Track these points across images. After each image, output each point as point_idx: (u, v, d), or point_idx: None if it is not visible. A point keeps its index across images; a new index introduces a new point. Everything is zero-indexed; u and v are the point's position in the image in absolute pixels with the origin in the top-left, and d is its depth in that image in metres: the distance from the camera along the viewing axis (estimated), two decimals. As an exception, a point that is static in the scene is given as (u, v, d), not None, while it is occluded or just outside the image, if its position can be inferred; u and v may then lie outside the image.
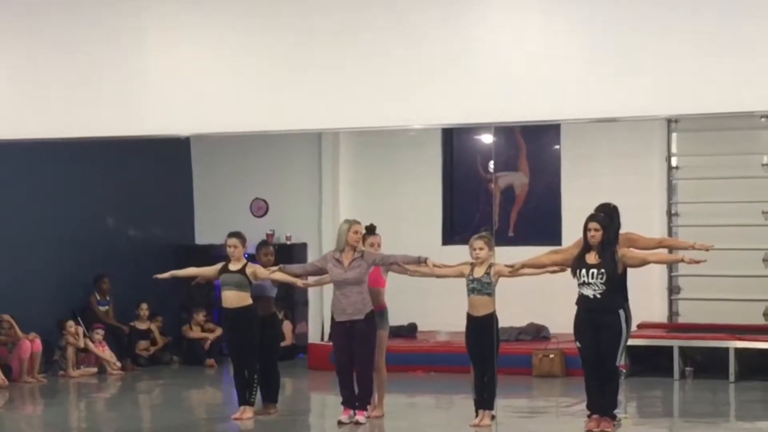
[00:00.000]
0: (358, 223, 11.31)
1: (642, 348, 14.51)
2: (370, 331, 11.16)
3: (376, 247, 11.46)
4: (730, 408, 13.12)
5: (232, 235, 11.75)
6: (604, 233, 10.65)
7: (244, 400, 11.74)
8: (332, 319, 11.37)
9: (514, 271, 10.94)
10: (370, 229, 11.54)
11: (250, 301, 11.60)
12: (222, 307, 12.02)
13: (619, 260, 10.64)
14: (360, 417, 11.22)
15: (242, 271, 11.58)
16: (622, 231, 11.02)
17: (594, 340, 10.66)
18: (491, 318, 10.92)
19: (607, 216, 10.89)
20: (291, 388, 14.16)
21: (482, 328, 10.91)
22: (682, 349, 14.48)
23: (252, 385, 11.72)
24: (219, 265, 11.78)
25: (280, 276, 11.49)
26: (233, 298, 11.61)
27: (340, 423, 11.27)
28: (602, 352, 10.63)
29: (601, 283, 10.57)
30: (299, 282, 11.58)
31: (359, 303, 11.11)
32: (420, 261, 11.11)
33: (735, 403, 13.25)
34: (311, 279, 12.06)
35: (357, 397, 11.25)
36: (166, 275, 11.88)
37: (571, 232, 11.87)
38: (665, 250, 11.93)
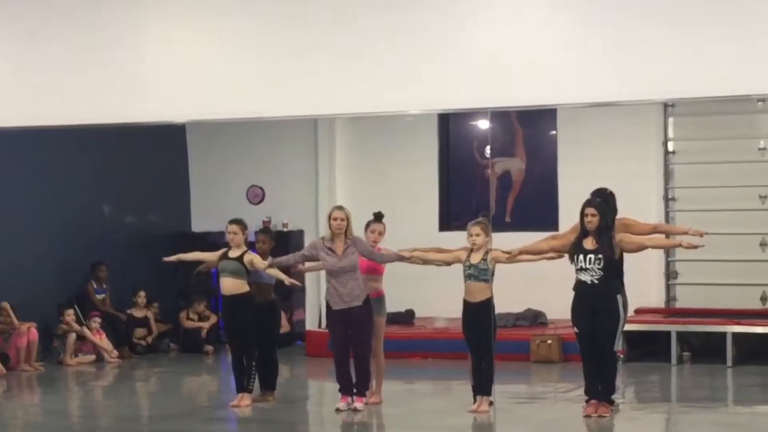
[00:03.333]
0: (340, 208, 11.29)
1: (639, 333, 14.52)
2: (367, 316, 11.16)
3: (376, 235, 11.43)
4: (727, 393, 13.13)
5: (233, 221, 11.75)
6: (601, 218, 10.65)
7: (242, 387, 11.73)
8: (328, 307, 11.35)
9: (512, 257, 10.93)
10: (378, 217, 11.52)
11: (247, 288, 11.60)
12: (220, 295, 12.03)
13: (616, 245, 10.65)
14: (358, 404, 11.22)
15: (240, 258, 11.58)
16: (617, 216, 11.01)
17: (591, 326, 10.67)
18: (488, 304, 10.91)
19: (603, 201, 10.89)
20: (289, 375, 14.15)
21: (478, 314, 10.90)
22: (680, 334, 14.48)
23: (250, 372, 11.71)
24: (220, 252, 11.78)
25: (273, 273, 11.49)
26: (230, 285, 11.61)
27: (338, 410, 11.26)
28: (599, 337, 10.64)
29: (598, 269, 10.57)
30: (287, 281, 11.55)
31: (356, 289, 11.11)
32: (399, 258, 11.17)
33: (732, 388, 13.26)
34: (307, 264, 12.02)
35: (355, 384, 11.24)
36: (173, 258, 11.95)
37: (568, 217, 11.83)
38: (662, 236, 11.91)
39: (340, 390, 11.33)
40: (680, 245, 10.92)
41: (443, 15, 9.40)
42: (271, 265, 11.48)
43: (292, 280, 11.66)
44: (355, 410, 11.20)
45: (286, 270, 11.69)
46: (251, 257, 11.60)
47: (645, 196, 15.39)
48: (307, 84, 9.74)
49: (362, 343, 11.16)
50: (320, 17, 9.72)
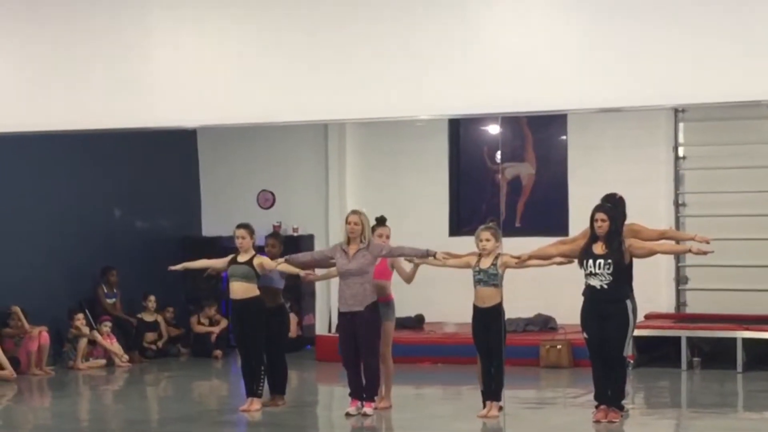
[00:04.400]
0: (355, 213, 11.27)
1: (649, 338, 14.50)
2: (372, 322, 11.13)
3: (384, 238, 11.44)
4: (737, 398, 13.11)
5: (240, 226, 11.78)
6: (611, 223, 10.64)
7: (252, 391, 11.74)
8: (339, 310, 11.39)
9: (521, 262, 10.93)
10: (380, 221, 11.53)
11: (257, 293, 11.61)
12: (229, 299, 12.04)
13: (625, 250, 10.64)
14: (367, 409, 11.22)
15: (249, 262, 11.60)
16: (626, 222, 11.01)
17: (601, 331, 10.65)
18: (498, 309, 10.91)
19: (613, 206, 10.88)
20: (298, 379, 14.16)
21: (489, 319, 10.91)
22: (690, 340, 14.47)
23: (259, 376, 11.72)
24: (229, 257, 11.80)
25: (285, 267, 11.51)
26: (240, 290, 11.62)
27: (347, 415, 11.26)
28: (609, 342, 10.62)
29: (608, 274, 10.56)
30: (303, 273, 11.60)
31: (360, 294, 11.07)
32: (429, 254, 11.07)
33: (743, 394, 13.24)
34: (319, 272, 12.06)
35: (364, 389, 11.24)
36: (179, 267, 11.98)
37: (578, 222, 11.83)
38: (671, 242, 11.91)
39: (349, 394, 11.34)
40: (690, 251, 10.91)
41: (454, 20, 9.40)
42: (287, 261, 11.49)
43: (308, 271, 11.68)
44: (365, 415, 11.21)
45: (296, 276, 11.75)
46: (261, 260, 11.63)
47: (655, 201, 15.37)
48: (318, 89, 9.75)
49: (368, 348, 11.14)
50: (330, 22, 9.73)
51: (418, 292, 15.14)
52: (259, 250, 11.97)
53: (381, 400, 11.53)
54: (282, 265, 11.50)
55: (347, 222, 11.20)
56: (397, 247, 11.28)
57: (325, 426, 12.13)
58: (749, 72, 8.74)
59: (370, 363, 11.19)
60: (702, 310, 15.39)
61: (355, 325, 11.12)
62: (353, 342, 11.16)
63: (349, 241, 11.19)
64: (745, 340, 14.15)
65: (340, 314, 11.29)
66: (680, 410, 12.53)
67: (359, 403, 11.26)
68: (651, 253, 10.84)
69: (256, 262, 11.59)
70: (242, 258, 11.66)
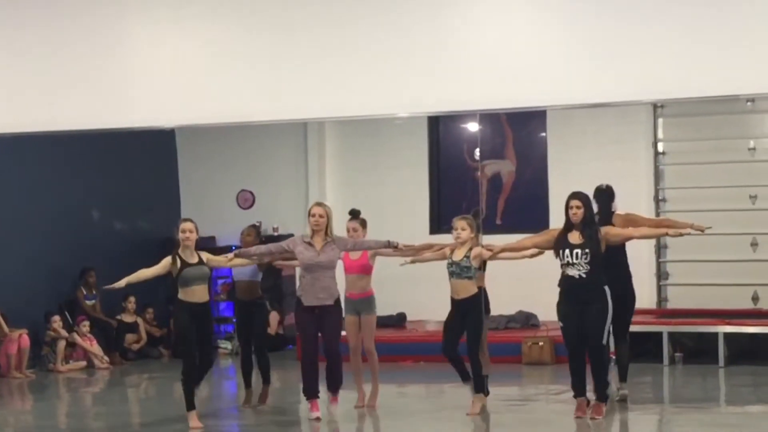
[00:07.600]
0: (319, 205, 11.01)
1: (631, 334, 14.46)
2: (337, 317, 11.00)
3: (350, 232, 11.31)
4: (719, 393, 13.11)
5: (187, 220, 11.00)
6: (585, 211, 10.51)
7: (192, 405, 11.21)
8: (298, 305, 10.97)
9: (494, 254, 10.87)
10: (353, 214, 11.46)
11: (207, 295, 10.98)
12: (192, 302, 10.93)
13: (602, 239, 10.52)
14: (333, 405, 11.06)
15: (202, 262, 10.88)
16: (621, 211, 11.02)
17: (579, 320, 10.48)
18: (473, 300, 10.83)
19: (607, 198, 10.88)
20: (280, 379, 14.09)
21: (464, 310, 10.87)
22: (672, 335, 14.48)
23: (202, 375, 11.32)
24: (168, 260, 10.75)
25: (237, 262, 11.17)
26: (202, 293, 10.84)
27: (318, 419, 10.97)
28: (589, 330, 10.49)
29: (585, 263, 10.43)
30: (281, 264, 11.50)
31: (331, 287, 10.87)
32: (390, 245, 10.96)
33: (725, 388, 13.25)
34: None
35: (332, 381, 11.02)
36: (120, 284, 11.12)
37: (559, 219, 11.79)
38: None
39: (304, 391, 11.03)
40: (667, 234, 10.90)
41: (432, 18, 9.40)
42: (236, 255, 11.13)
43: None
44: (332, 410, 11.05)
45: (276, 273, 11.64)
46: (207, 257, 10.94)
47: (635, 197, 15.35)
48: (296, 88, 9.74)
49: (334, 341, 10.89)
50: (308, 22, 9.71)
51: (400, 291, 15.19)
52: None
53: (372, 398, 11.48)
54: (233, 261, 11.16)
55: (311, 214, 10.87)
56: (360, 241, 11.15)
57: (306, 427, 12.07)
58: (726, 67, 8.77)
59: (334, 358, 10.95)
60: (683, 305, 15.42)
61: (322, 319, 10.88)
62: (316, 338, 10.92)
63: (312, 234, 10.93)
64: (726, 335, 14.17)
65: (305, 308, 10.86)
66: (663, 405, 12.53)
67: (318, 402, 10.97)
68: (627, 239, 10.80)
69: (206, 258, 10.92)
70: (192, 259, 10.80)
